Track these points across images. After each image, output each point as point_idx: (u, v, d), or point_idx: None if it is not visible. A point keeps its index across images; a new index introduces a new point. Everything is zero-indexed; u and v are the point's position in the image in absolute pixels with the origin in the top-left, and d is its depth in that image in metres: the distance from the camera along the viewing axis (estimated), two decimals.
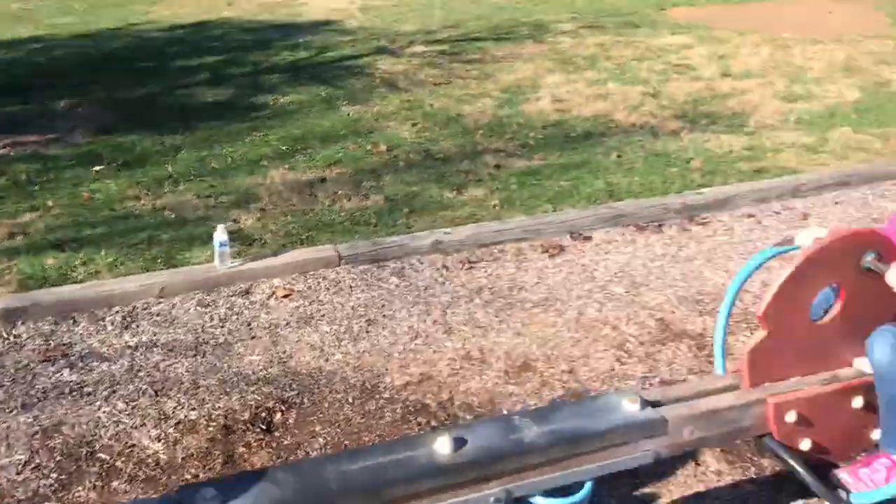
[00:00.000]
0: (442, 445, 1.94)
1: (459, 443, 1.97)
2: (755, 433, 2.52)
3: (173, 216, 5.44)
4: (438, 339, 3.80)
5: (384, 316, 3.99)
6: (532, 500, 2.15)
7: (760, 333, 2.45)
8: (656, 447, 2.25)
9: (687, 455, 2.99)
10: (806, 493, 2.73)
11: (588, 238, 4.93)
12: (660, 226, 5.08)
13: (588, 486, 2.22)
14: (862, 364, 2.53)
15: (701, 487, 2.89)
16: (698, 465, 2.99)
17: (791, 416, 2.44)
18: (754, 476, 2.94)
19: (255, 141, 7.13)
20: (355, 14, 12.87)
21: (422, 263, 4.53)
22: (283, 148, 6.94)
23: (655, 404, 2.30)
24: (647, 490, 2.86)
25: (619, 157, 6.68)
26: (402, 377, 3.50)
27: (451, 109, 8.01)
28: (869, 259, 2.42)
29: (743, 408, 2.43)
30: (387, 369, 3.56)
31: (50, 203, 5.66)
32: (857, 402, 2.54)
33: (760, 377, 2.49)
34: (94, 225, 5.26)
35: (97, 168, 6.40)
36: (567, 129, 7.47)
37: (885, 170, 5.90)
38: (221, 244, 4.20)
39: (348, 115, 7.87)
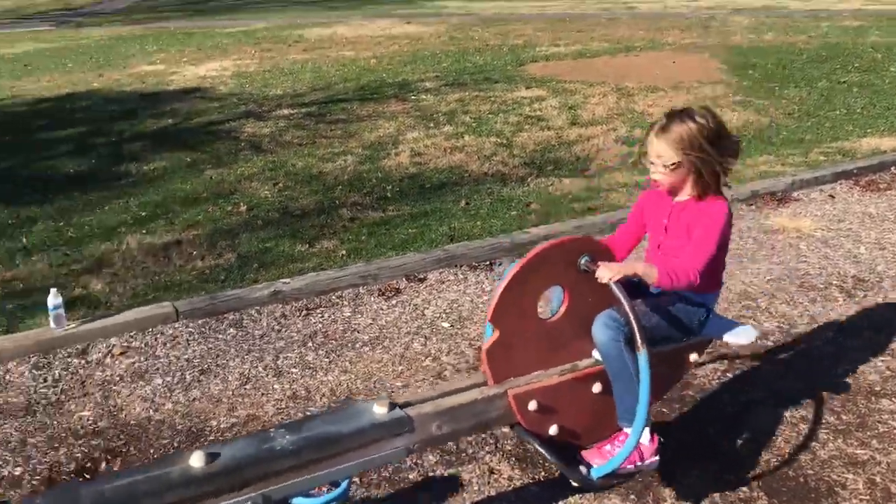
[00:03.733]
0: (196, 459, 2.17)
1: (213, 456, 2.20)
2: (505, 423, 2.83)
3: (21, 286, 5.49)
4: (268, 383, 4.02)
5: (217, 365, 4.19)
6: (292, 500, 2.38)
7: (493, 335, 2.78)
8: (407, 443, 2.53)
9: (483, 466, 3.30)
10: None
11: (422, 279, 5.26)
12: (490, 264, 5.46)
13: (344, 483, 2.47)
14: (597, 353, 2.89)
15: (493, 493, 3.18)
16: (493, 472, 3.29)
17: (532, 405, 2.76)
18: (542, 479, 3.26)
19: (115, 208, 7.22)
20: (227, 81, 13.12)
21: (260, 314, 4.75)
22: (143, 214, 7.06)
23: (405, 406, 2.58)
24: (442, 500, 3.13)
25: (466, 203, 7.09)
26: (229, 420, 3.70)
27: (313, 168, 8.30)
28: (583, 262, 2.78)
29: (486, 401, 2.73)
30: (214, 414, 3.75)
31: None
32: (597, 387, 2.88)
33: (503, 373, 2.79)
34: None
35: None
36: (423, 180, 7.86)
37: None
38: (55, 307, 4.32)
39: (211, 178, 8.05)
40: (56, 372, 4.14)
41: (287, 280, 5.04)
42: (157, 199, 7.42)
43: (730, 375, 4.01)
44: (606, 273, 2.69)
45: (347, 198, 7.36)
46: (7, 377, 4.10)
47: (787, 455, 3.37)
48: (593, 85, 11.56)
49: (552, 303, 2.97)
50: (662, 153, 2.87)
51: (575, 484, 2.82)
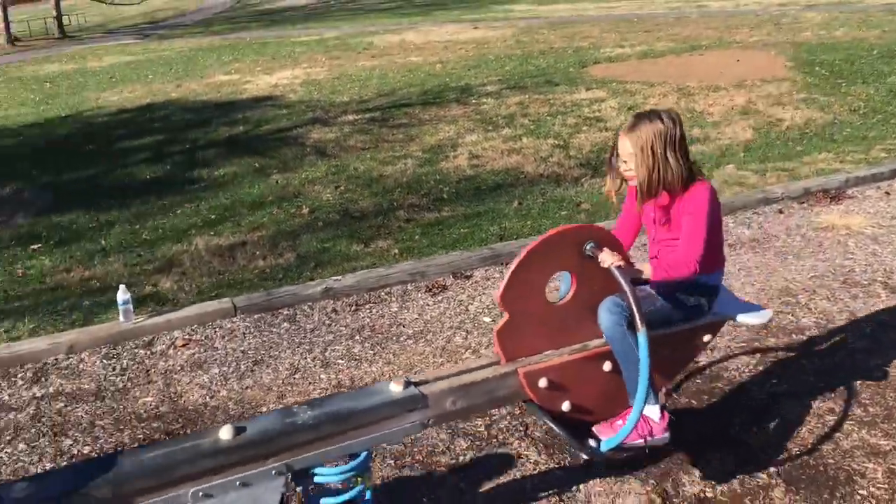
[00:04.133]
0: (225, 433, 2.41)
1: (240, 430, 2.44)
2: (517, 400, 2.99)
3: (98, 285, 5.91)
4: (315, 373, 4.28)
5: (270, 356, 4.47)
6: (314, 471, 2.61)
7: (504, 317, 2.94)
8: (421, 418, 2.73)
9: (512, 451, 3.48)
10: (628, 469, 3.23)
11: (469, 276, 5.46)
12: None
13: (363, 455, 2.68)
14: None
15: (518, 475, 3.36)
16: (520, 457, 3.46)
17: (543, 382, 2.91)
18: (567, 464, 3.41)
19: (186, 212, 7.66)
20: (296, 88, 13.60)
21: (312, 309, 5.03)
22: (212, 217, 7.47)
23: (420, 384, 2.79)
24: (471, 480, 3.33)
25: (519, 204, 7.26)
26: (278, 406, 3.97)
27: (374, 171, 8.60)
28: (588, 248, 2.91)
29: (498, 379, 2.90)
30: (265, 401, 4.03)
31: None
32: (607, 366, 3.01)
33: (514, 353, 2.95)
34: (22, 297, 5.72)
35: (34, 246, 6.88)
36: (479, 182, 8.06)
37: (744, 201, 6.49)
38: (124, 302, 4.69)
39: (277, 182, 8.44)
40: (124, 362, 4.50)
41: (339, 277, 5.31)
42: (226, 203, 7.82)
43: (760, 368, 4.07)
44: (608, 258, 2.83)
45: (405, 199, 7.62)
46: (80, 366, 4.47)
47: (809, 445, 3.44)
48: (654, 85, 11.56)
49: (561, 288, 3.13)
50: (629, 151, 3.00)
51: (584, 457, 2.96)
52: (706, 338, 3.24)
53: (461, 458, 3.50)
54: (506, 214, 6.98)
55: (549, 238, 2.87)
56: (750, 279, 5.16)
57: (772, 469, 3.30)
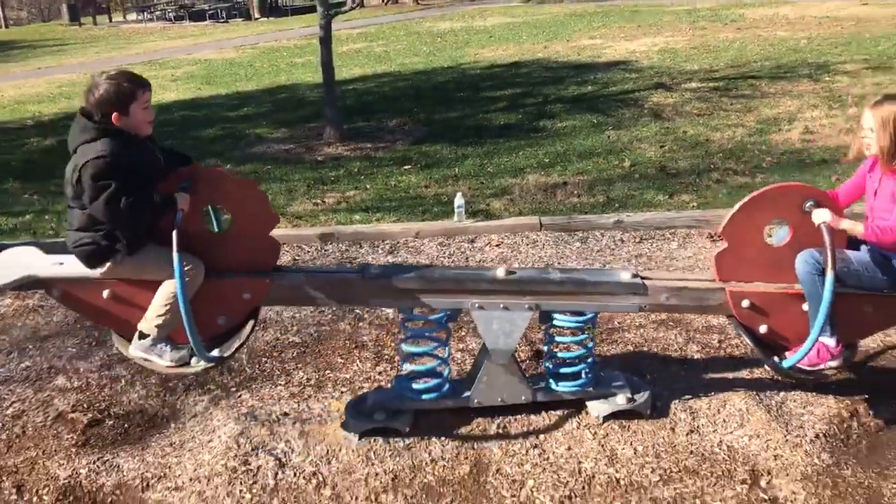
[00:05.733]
0: (501, 272, 3.49)
1: (511, 272, 3.50)
2: (721, 312, 3.64)
3: (446, 199, 7.37)
4: None
5: (558, 263, 5.50)
6: (554, 315, 3.59)
7: (722, 244, 3.58)
8: (640, 302, 3.55)
9: (730, 362, 4.15)
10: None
11: None
12: None
13: (591, 314, 3.58)
14: None
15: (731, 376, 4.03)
16: (739, 366, 4.12)
17: (746, 303, 3.52)
18: (787, 381, 3.99)
19: (526, 154, 8.91)
20: (651, 56, 14.27)
21: (602, 235, 5.95)
22: (546, 160, 8.63)
23: (645, 279, 3.58)
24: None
25: (837, 180, 7.37)
26: None
27: (701, 136, 9.12)
28: (808, 205, 3.43)
29: (708, 291, 3.57)
30: None
31: (368, 186, 7.94)
32: (805, 306, 3.52)
33: (729, 277, 3.57)
34: (391, 200, 7.39)
35: (406, 167, 8.61)
36: (805, 156, 8.21)
37: None
38: (459, 206, 6.02)
39: (609, 137, 9.35)
40: (452, 248, 5.85)
41: (630, 213, 6.15)
42: (560, 151, 8.93)
43: None
44: (820, 216, 3.36)
45: (723, 164, 8.08)
46: (421, 247, 5.92)
47: None
48: None
49: (780, 234, 3.68)
50: (870, 124, 3.40)
51: (769, 368, 3.56)
52: None
53: (690, 357, 4.25)
54: (818, 187, 7.16)
55: (775, 188, 3.48)
56: None
57: None
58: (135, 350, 3.54)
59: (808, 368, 3.50)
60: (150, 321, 3.49)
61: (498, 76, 13.43)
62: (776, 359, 3.55)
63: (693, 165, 8.05)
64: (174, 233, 3.25)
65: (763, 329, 3.59)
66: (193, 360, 3.52)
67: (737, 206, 3.51)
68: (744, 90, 11.10)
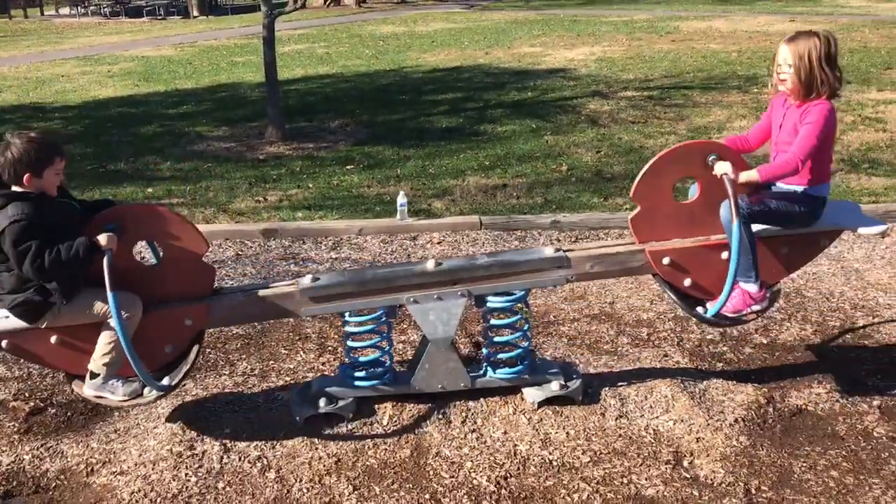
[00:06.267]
0: (429, 264, 3.65)
1: (439, 264, 3.65)
2: (645, 272, 3.85)
3: (388, 198, 7.51)
4: None
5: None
6: (487, 298, 3.75)
7: (637, 208, 3.77)
8: (566, 274, 3.76)
9: (658, 352, 4.38)
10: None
11: None
12: None
13: (522, 293, 3.78)
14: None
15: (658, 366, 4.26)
16: (666, 356, 4.35)
17: (666, 260, 3.73)
18: (702, 368, 4.24)
19: (467, 157, 9.09)
20: (589, 64, 14.63)
21: (540, 235, 6.17)
22: (486, 163, 8.82)
23: (568, 251, 3.78)
24: (625, 368, 4.29)
25: None
26: None
27: (636, 142, 9.44)
28: (710, 159, 3.59)
29: (629, 254, 3.79)
30: None
31: (310, 185, 8.02)
32: (725, 255, 3.70)
33: (647, 238, 3.77)
34: (334, 199, 7.49)
35: (348, 167, 8.71)
36: None
37: None
38: (401, 204, 6.16)
39: (547, 142, 9.61)
40: (394, 246, 5.99)
41: (566, 214, 6.38)
42: (500, 154, 9.14)
43: None
44: (721, 168, 3.51)
45: None
46: (364, 244, 6.04)
47: None
48: None
49: (690, 190, 3.88)
50: (786, 58, 3.50)
51: (693, 318, 3.79)
52: (824, 242, 3.83)
53: (621, 349, 4.47)
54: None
55: (677, 148, 3.67)
56: None
57: (874, 401, 3.88)
58: (88, 390, 3.60)
59: (732, 315, 3.72)
60: (97, 361, 3.55)
61: (440, 80, 13.63)
62: (700, 309, 3.77)
63: (627, 170, 8.34)
64: (105, 273, 3.31)
65: (687, 283, 3.79)
66: (146, 390, 3.60)
67: (644, 169, 3.68)
68: (677, 99, 11.51)
